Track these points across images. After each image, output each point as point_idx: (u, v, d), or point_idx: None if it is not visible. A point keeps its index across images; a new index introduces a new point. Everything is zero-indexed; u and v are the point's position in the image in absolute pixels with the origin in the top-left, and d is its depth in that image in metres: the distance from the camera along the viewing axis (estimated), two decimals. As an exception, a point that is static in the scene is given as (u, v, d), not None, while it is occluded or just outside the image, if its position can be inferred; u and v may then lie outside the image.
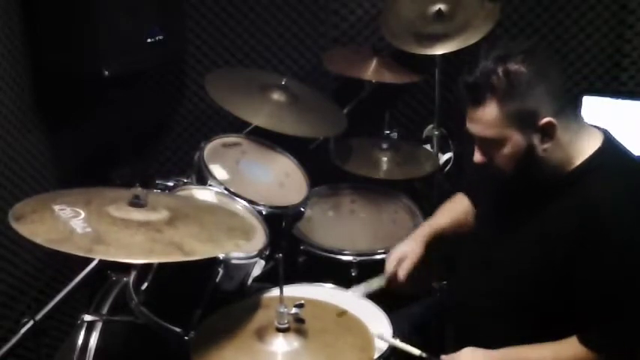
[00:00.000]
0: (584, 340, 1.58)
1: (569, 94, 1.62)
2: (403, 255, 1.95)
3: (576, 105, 1.65)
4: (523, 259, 1.67)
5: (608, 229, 1.53)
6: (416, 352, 1.72)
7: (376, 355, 1.65)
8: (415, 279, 2.04)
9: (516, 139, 1.57)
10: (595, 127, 1.69)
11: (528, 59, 1.54)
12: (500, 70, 1.53)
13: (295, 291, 1.82)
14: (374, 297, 1.94)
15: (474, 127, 1.61)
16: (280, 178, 2.37)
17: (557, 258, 1.58)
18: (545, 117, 1.55)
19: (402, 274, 1.94)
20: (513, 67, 1.53)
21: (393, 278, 1.95)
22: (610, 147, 1.64)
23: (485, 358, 1.67)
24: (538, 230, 1.64)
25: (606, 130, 1.69)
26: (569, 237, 1.56)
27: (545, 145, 1.58)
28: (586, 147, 1.62)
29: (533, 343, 1.65)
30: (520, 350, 1.65)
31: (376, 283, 1.96)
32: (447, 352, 1.72)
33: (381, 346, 1.71)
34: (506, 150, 1.59)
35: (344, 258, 2.28)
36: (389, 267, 1.96)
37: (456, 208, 2.05)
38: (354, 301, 1.90)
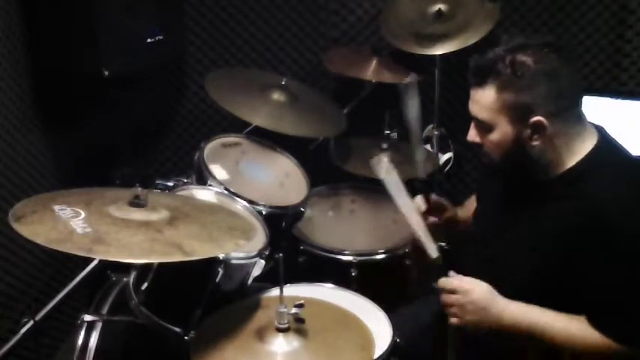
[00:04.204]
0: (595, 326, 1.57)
1: (575, 98, 1.63)
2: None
3: (580, 108, 1.64)
4: (521, 258, 1.67)
5: (613, 227, 1.53)
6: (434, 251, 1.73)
7: (376, 355, 1.65)
8: (415, 279, 2.05)
9: (505, 129, 1.60)
10: (591, 124, 1.69)
11: (539, 55, 1.55)
12: (508, 59, 1.56)
13: (295, 291, 1.82)
14: (374, 297, 1.95)
15: (472, 107, 1.65)
16: (280, 178, 2.37)
17: (554, 258, 1.59)
18: (537, 115, 1.56)
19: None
20: (522, 58, 1.55)
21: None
22: (605, 145, 1.65)
23: (500, 305, 1.64)
24: (535, 229, 1.65)
25: (602, 128, 1.69)
26: (567, 237, 1.57)
27: (534, 143, 1.60)
28: (582, 147, 1.63)
29: None
30: (534, 311, 1.63)
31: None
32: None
33: (381, 346, 1.72)
34: (494, 136, 1.63)
35: (344, 258, 2.27)
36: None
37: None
38: (354, 300, 1.90)
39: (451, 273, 1.70)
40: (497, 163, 1.67)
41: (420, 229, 1.76)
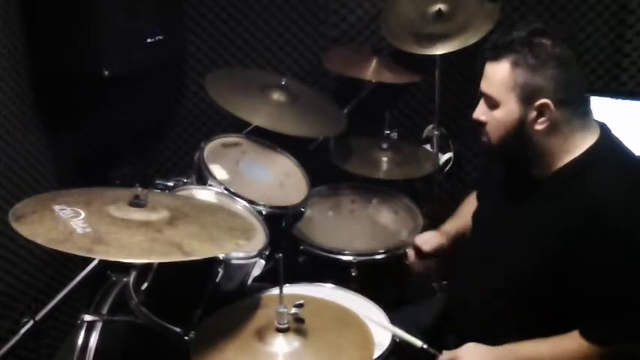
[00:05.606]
0: (587, 335, 1.58)
1: (582, 92, 1.65)
2: (427, 240, 2.04)
3: (587, 105, 1.65)
4: (521, 256, 1.67)
5: (612, 225, 1.53)
6: (418, 343, 1.73)
7: (376, 354, 1.65)
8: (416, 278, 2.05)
9: (511, 107, 1.61)
10: (595, 121, 1.69)
11: (558, 41, 1.58)
12: (527, 39, 1.58)
13: (295, 291, 1.82)
14: (374, 297, 1.94)
15: (482, 83, 1.67)
16: (280, 178, 2.37)
17: (554, 254, 1.59)
18: (545, 98, 1.57)
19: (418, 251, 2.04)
20: (541, 41, 1.58)
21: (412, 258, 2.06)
22: (605, 142, 1.65)
23: (487, 353, 1.68)
24: (535, 227, 1.65)
25: (604, 125, 1.69)
26: (567, 234, 1.56)
27: (537, 127, 1.60)
28: (582, 143, 1.63)
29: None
30: (521, 346, 1.65)
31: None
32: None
33: (381, 344, 1.72)
34: (499, 113, 1.63)
35: (344, 258, 2.27)
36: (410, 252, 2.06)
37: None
38: (354, 300, 1.90)
39: (444, 352, 1.72)
40: (496, 147, 1.67)
41: (400, 332, 1.77)
